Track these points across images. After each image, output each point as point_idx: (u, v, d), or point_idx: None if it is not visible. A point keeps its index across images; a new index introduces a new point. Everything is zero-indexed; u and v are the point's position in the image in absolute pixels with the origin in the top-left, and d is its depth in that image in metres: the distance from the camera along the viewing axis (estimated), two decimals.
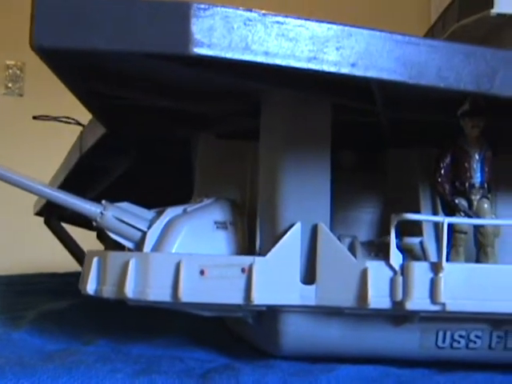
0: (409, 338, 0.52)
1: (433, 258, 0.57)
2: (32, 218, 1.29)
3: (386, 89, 0.46)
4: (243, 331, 0.59)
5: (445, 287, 0.48)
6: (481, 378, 0.50)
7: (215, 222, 0.54)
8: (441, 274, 0.48)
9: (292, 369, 0.49)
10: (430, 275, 0.48)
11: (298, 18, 0.39)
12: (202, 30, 0.37)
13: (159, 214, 0.54)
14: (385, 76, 0.40)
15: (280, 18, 0.39)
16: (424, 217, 0.50)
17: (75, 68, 0.47)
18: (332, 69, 0.39)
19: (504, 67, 0.43)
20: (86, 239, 1.13)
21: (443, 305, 0.48)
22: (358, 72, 0.40)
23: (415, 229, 0.57)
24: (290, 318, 0.52)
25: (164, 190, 0.78)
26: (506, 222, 0.52)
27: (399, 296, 0.48)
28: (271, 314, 0.52)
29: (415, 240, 0.57)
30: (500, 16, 1.25)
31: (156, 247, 0.52)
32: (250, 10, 0.38)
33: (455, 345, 0.53)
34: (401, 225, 0.51)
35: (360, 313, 0.50)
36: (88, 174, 0.81)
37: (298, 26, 0.39)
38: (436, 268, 0.48)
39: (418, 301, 0.48)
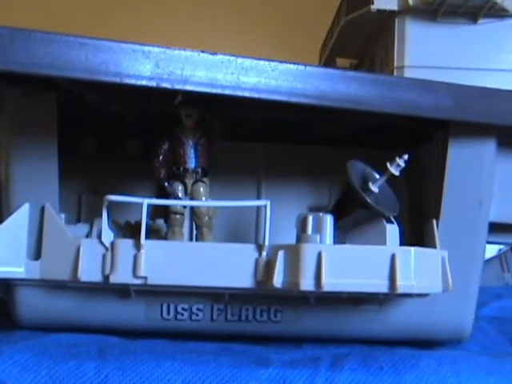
0: (135, 310, 0.57)
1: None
2: None
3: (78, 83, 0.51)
4: None
5: (145, 262, 0.53)
6: (193, 347, 0.55)
7: None
8: (142, 251, 0.53)
9: (12, 337, 0.54)
10: (134, 251, 0.53)
11: None
12: None
13: None
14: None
15: None
16: (126, 198, 0.54)
17: None
18: None
19: None
20: None
21: (145, 278, 0.53)
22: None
23: None
24: (25, 292, 0.57)
25: None
26: (199, 203, 0.57)
27: (107, 270, 0.53)
28: (11, 288, 0.57)
29: (162, 222, 0.62)
30: (380, 12, 1.30)
31: None
32: None
33: (179, 317, 0.58)
34: None
35: (81, 286, 0.55)
36: None
37: None
38: (137, 245, 0.53)
39: (122, 274, 0.53)
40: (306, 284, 0.50)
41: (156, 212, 0.65)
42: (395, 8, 1.28)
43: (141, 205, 0.53)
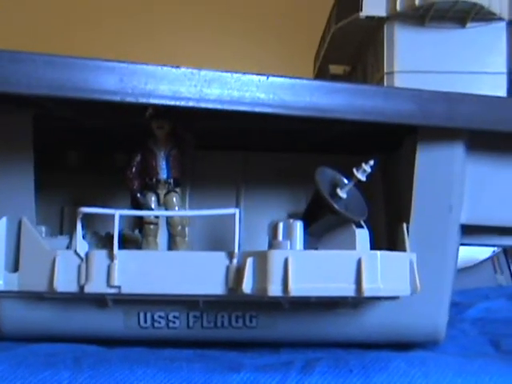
0: (113, 319, 0.59)
1: (163, 248, 0.63)
2: None
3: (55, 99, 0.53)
4: None
5: (119, 272, 0.54)
6: (169, 354, 0.56)
7: None
8: (115, 261, 0.54)
9: None
10: (107, 262, 0.54)
11: None
12: None
13: None
14: None
15: None
16: (99, 210, 0.56)
17: None
18: None
19: None
20: None
21: (119, 288, 0.54)
22: None
23: None
24: (4, 303, 0.58)
25: None
26: (169, 213, 0.58)
27: (83, 281, 0.55)
28: None
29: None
30: (369, 19, 1.31)
31: None
32: None
33: (156, 325, 0.59)
34: None
35: (58, 296, 0.57)
36: None
37: None
38: (111, 255, 0.54)
39: (96, 284, 0.54)
40: (274, 290, 0.51)
41: (136, 222, 0.66)
42: (384, 14, 1.29)
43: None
